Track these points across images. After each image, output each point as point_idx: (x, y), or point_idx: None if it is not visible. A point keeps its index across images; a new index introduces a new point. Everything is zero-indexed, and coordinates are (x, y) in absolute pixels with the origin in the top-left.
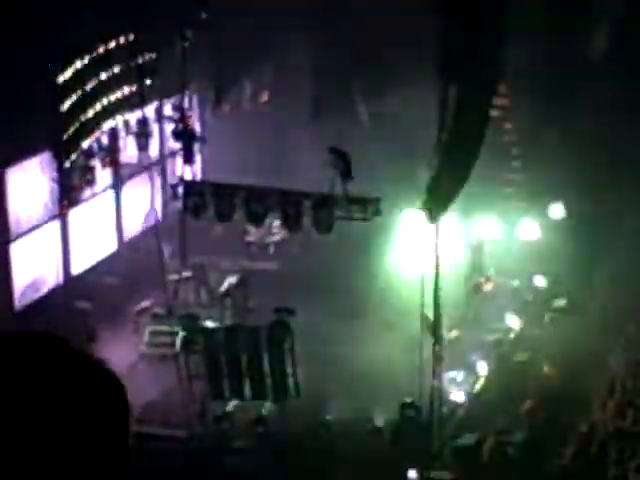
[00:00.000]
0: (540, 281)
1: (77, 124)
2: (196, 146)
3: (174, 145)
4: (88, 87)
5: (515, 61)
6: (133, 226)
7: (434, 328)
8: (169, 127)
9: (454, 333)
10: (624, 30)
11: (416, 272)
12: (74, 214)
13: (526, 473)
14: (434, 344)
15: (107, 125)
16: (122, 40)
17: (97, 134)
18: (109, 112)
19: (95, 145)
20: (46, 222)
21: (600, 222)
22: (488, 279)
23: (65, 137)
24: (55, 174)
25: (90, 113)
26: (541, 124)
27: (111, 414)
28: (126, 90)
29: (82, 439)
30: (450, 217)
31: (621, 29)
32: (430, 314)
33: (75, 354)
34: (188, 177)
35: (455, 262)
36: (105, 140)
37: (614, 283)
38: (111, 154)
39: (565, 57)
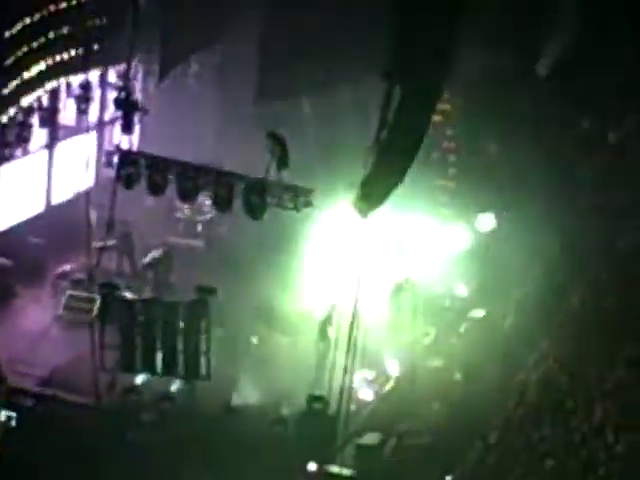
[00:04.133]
0: (461, 290)
1: (19, 80)
2: (136, 117)
3: (114, 113)
4: (34, 45)
5: (463, 69)
6: (63, 189)
7: (350, 327)
8: (111, 95)
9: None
10: (574, 48)
11: (339, 267)
12: (5, 170)
13: (426, 477)
14: (348, 342)
15: (49, 85)
16: (74, 1)
17: (38, 93)
18: (53, 72)
19: (35, 104)
20: None
21: (528, 237)
22: (407, 282)
23: (5, 92)
24: None
25: (34, 71)
26: (480, 135)
27: None
28: (72, 52)
29: None
30: (380, 214)
31: (570, 48)
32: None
33: None
34: (124, 147)
35: (378, 262)
36: (45, 100)
37: (531, 299)
38: (50, 114)
39: (513, 71)
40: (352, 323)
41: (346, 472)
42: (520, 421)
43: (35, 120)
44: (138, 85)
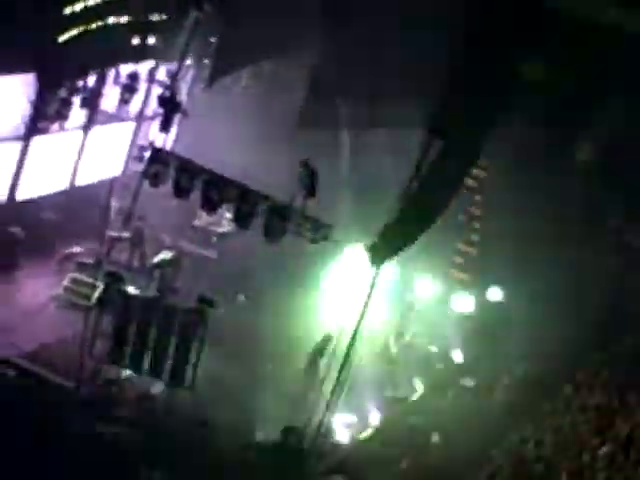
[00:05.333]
0: (457, 355)
1: (70, 58)
2: (176, 118)
3: (156, 109)
4: (92, 26)
5: (506, 140)
6: (90, 172)
7: (341, 367)
8: (156, 91)
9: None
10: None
11: (344, 304)
12: (38, 142)
13: None
14: (337, 380)
15: (98, 69)
16: None
17: (86, 74)
18: (104, 57)
19: (81, 83)
20: (9, 140)
21: (532, 319)
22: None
23: (55, 67)
24: (33, 98)
25: (86, 52)
26: (509, 210)
27: None
28: (127, 41)
29: None
30: (392, 266)
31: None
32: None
33: None
34: (158, 144)
35: (382, 309)
36: (91, 82)
37: (524, 380)
38: (92, 97)
39: (552, 151)
40: (344, 363)
41: None
42: None
43: (77, 100)
44: (184, 87)
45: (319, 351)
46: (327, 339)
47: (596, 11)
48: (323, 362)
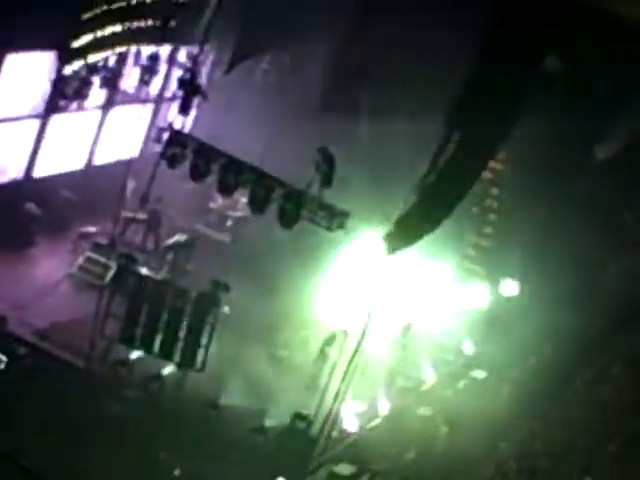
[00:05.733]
0: (468, 347)
1: (91, 37)
2: (195, 100)
3: (175, 92)
4: (114, 6)
5: (524, 133)
6: (107, 152)
7: (352, 355)
8: (176, 73)
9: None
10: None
11: (356, 294)
12: (57, 120)
13: None
14: (346, 369)
15: (119, 49)
16: None
17: (107, 53)
18: (126, 37)
19: (101, 63)
20: (27, 118)
21: (545, 313)
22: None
23: (76, 45)
24: (53, 76)
25: (107, 31)
26: (525, 201)
27: None
28: (149, 22)
29: None
30: (407, 254)
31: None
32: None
33: None
34: (177, 126)
35: (394, 298)
36: (111, 62)
37: (534, 375)
38: (112, 77)
39: (571, 147)
40: (355, 351)
41: None
42: None
43: (97, 79)
44: (205, 70)
45: (330, 340)
46: (337, 330)
47: (621, 4)
48: (332, 351)
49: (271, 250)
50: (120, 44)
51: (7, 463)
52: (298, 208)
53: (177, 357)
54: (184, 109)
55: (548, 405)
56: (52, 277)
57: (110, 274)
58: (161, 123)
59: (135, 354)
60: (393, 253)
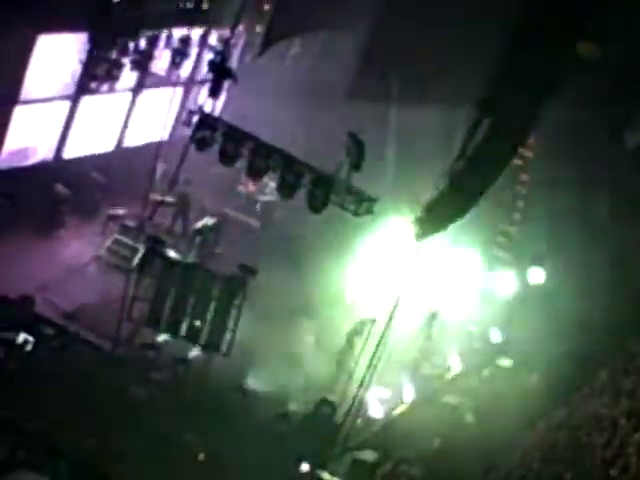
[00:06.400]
0: (495, 335)
1: (124, 19)
2: (226, 84)
3: (206, 75)
4: None
5: (554, 118)
6: (137, 135)
7: (377, 343)
8: (208, 56)
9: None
10: None
11: (382, 281)
12: (87, 101)
13: None
14: (372, 357)
15: (150, 31)
16: None
17: (139, 36)
18: (157, 19)
19: (132, 45)
20: (58, 99)
21: (574, 301)
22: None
23: (108, 27)
24: (84, 58)
25: (139, 13)
26: (554, 188)
27: None
28: (181, 5)
29: None
30: (435, 241)
31: None
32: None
33: None
34: (207, 110)
35: (421, 286)
36: (143, 44)
37: (562, 363)
38: (143, 59)
39: (602, 135)
40: (381, 339)
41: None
42: None
43: (127, 62)
44: (236, 54)
45: (357, 330)
46: (365, 320)
47: None
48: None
49: (300, 234)
50: (151, 26)
51: (35, 442)
52: (327, 193)
53: (203, 340)
54: (214, 92)
55: (575, 395)
56: (80, 259)
57: (138, 257)
58: (191, 106)
59: (162, 337)
60: (422, 239)
